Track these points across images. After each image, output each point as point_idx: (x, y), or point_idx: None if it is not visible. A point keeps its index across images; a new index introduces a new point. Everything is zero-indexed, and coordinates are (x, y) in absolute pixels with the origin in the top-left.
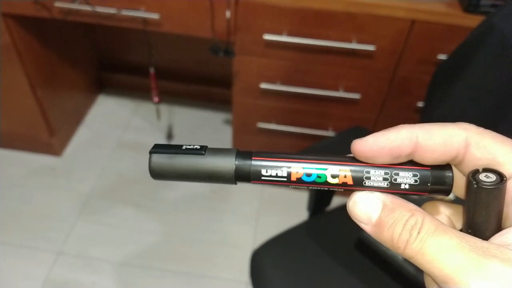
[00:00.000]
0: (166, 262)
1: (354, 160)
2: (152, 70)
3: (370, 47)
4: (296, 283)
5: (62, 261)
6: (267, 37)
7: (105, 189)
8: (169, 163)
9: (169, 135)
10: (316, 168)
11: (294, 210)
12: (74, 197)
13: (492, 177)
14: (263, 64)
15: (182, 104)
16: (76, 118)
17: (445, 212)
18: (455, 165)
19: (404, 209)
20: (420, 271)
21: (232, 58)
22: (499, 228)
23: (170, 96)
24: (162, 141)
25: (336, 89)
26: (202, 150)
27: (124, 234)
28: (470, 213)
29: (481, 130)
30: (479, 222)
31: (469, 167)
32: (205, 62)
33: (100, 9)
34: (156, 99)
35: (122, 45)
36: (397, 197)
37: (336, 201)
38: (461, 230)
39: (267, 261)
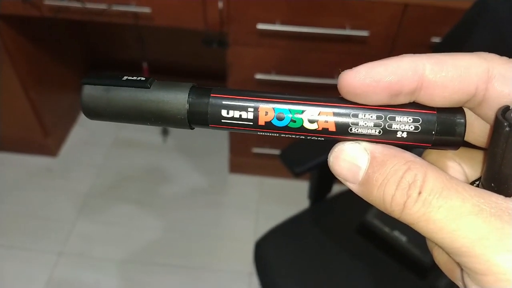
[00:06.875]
0: (169, 257)
1: (340, 101)
2: (145, 65)
3: (364, 33)
4: (301, 270)
5: (64, 261)
6: (261, 26)
7: (104, 187)
8: (106, 98)
9: (165, 130)
10: (291, 110)
11: (295, 200)
12: (72, 196)
13: None
14: (258, 54)
15: None
16: (70, 117)
17: (455, 158)
18: (472, 109)
19: (398, 162)
20: (424, 252)
21: (226, 49)
22: None
23: None
24: (158, 137)
25: (331, 76)
26: (147, 83)
27: (125, 232)
28: (497, 162)
29: (505, 59)
30: (508, 173)
31: (493, 108)
32: (199, 55)
33: (90, 5)
34: None
35: (114, 41)
36: (390, 146)
37: (337, 188)
38: (477, 184)
39: (271, 249)
